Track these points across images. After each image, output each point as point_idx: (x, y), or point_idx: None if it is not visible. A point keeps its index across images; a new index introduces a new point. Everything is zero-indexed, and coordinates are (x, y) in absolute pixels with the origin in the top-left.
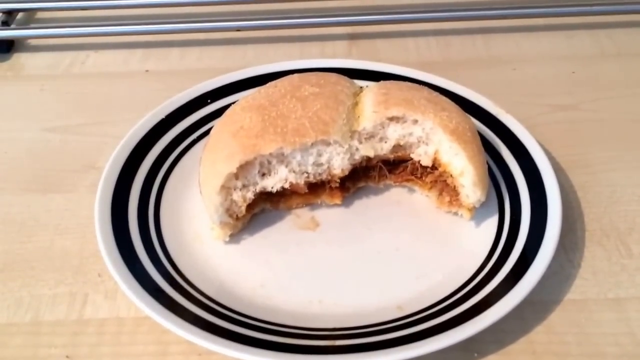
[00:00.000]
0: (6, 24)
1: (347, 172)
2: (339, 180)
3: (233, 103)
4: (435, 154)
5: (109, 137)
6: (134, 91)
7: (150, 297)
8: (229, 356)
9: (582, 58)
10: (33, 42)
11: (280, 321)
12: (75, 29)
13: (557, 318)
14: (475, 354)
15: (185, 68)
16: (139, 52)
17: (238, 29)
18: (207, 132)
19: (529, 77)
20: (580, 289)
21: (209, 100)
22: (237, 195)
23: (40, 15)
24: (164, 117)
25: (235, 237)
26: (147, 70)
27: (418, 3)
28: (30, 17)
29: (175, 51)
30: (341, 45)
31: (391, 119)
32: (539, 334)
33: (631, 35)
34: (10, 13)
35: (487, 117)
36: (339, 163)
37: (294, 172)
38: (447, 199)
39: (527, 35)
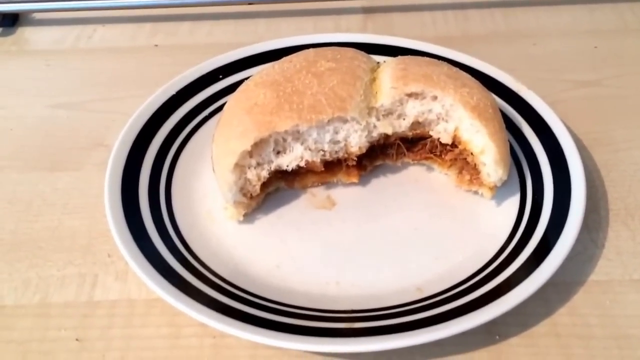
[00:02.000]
0: None
1: (364, 150)
2: (355, 159)
3: (246, 79)
4: (455, 131)
5: (117, 113)
6: (142, 66)
7: (162, 278)
8: (244, 338)
9: (604, 32)
10: (38, 16)
11: (296, 303)
12: (82, 2)
13: (580, 300)
14: (497, 337)
15: (195, 43)
16: (147, 27)
17: (250, 3)
18: (219, 109)
19: (550, 53)
20: (605, 270)
21: (220, 76)
22: (251, 174)
23: None
24: (174, 93)
25: (249, 216)
26: (156, 45)
27: None
28: None
29: (185, 25)
30: (356, 19)
31: (410, 95)
32: (562, 316)
33: None
34: None
35: (508, 94)
36: (356, 141)
37: (309, 150)
38: (467, 177)
39: (548, 9)
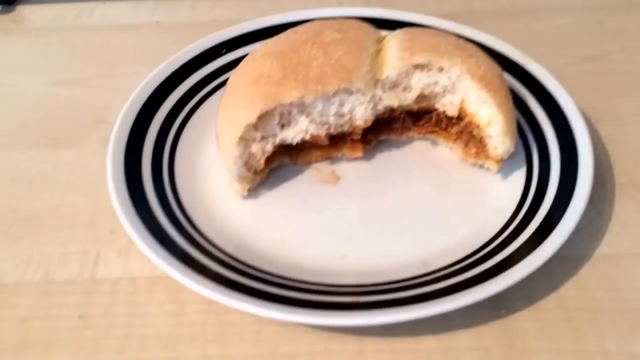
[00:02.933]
0: None
1: (369, 124)
2: (360, 132)
3: (249, 53)
4: (461, 103)
5: (118, 90)
6: (144, 43)
7: (166, 253)
8: (249, 314)
9: (608, 7)
10: None
11: (302, 277)
12: None
13: (587, 274)
14: (504, 311)
15: (197, 19)
16: (148, 3)
17: None
18: (222, 84)
19: (554, 28)
20: (611, 243)
21: (224, 51)
22: (255, 148)
23: None
24: (177, 67)
25: (253, 192)
26: (157, 22)
27: None
28: None
29: (186, 2)
30: None
31: (416, 66)
32: (569, 290)
33: None
34: None
35: (514, 67)
36: (361, 113)
37: (314, 122)
38: (474, 150)
39: None
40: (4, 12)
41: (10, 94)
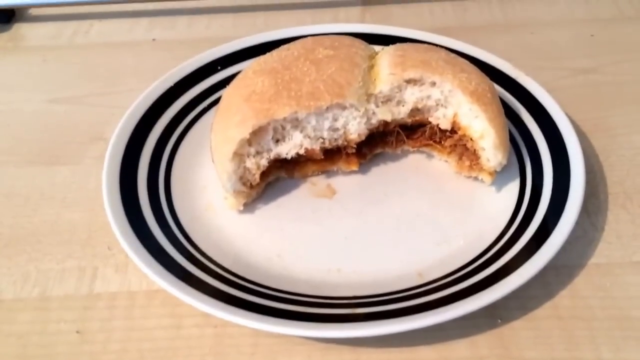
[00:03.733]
0: None
1: (363, 137)
2: (355, 146)
3: (242, 71)
4: (454, 117)
5: (115, 107)
6: (140, 61)
7: (163, 269)
8: (246, 326)
9: (600, 21)
10: (34, 11)
11: (298, 290)
12: None
13: (581, 282)
14: (499, 320)
15: (193, 37)
16: (144, 21)
17: None
18: (217, 100)
19: (547, 41)
20: (605, 252)
21: (219, 67)
22: (250, 162)
23: None
24: (172, 84)
25: (249, 206)
26: (153, 39)
27: None
28: None
29: (182, 19)
30: (354, 11)
31: (408, 81)
32: (563, 299)
33: None
34: None
35: (507, 80)
36: (355, 127)
37: (309, 137)
38: (467, 163)
39: None
40: (1, 30)
41: (7, 111)
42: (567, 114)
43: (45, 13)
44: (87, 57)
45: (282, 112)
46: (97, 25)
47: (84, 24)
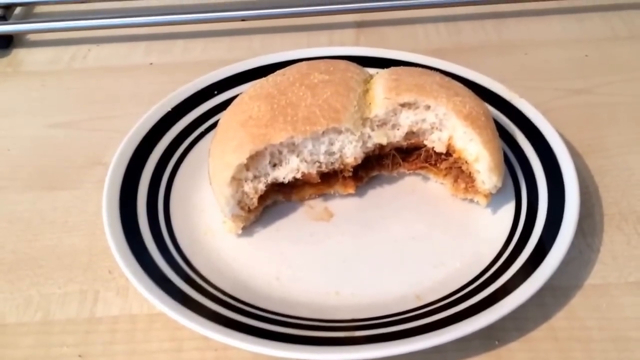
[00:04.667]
0: (4, 18)
1: (359, 161)
2: (351, 170)
3: (238, 96)
4: (449, 140)
5: (114, 131)
6: (138, 85)
7: (163, 293)
8: (246, 350)
9: (594, 41)
10: (32, 37)
11: (297, 314)
12: (75, 22)
13: (578, 303)
14: (497, 342)
15: (190, 60)
16: (142, 45)
17: (243, 19)
18: (215, 124)
19: (541, 62)
20: (601, 273)
21: (215, 92)
22: (248, 187)
23: (38, 9)
24: (170, 109)
25: (247, 229)
26: (151, 63)
27: None
28: (28, 11)
29: (179, 43)
30: (349, 33)
31: (403, 105)
32: (560, 320)
33: None
34: (8, 7)
35: (501, 102)
36: (351, 151)
37: (305, 161)
38: (463, 185)
39: (539, 19)
40: (0, 55)
41: (8, 136)
42: (561, 135)
43: (43, 38)
44: (85, 81)
45: (279, 137)
46: (95, 50)
47: (82, 48)
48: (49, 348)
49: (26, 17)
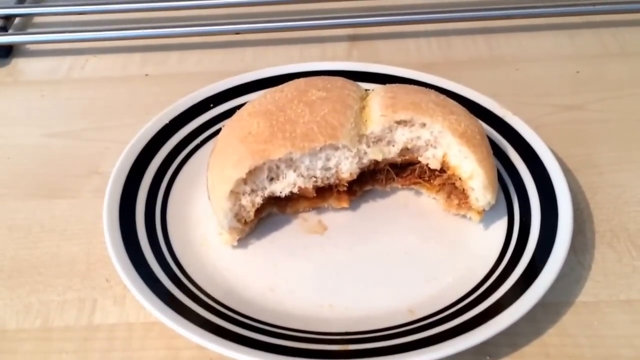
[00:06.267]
0: (4, 29)
1: (355, 176)
2: (346, 184)
3: (237, 106)
4: (443, 157)
5: (110, 142)
6: (134, 95)
7: (160, 302)
8: None
9: (585, 57)
10: (31, 47)
11: (291, 325)
12: (74, 34)
13: (569, 320)
14: (488, 357)
15: (184, 72)
16: (137, 56)
17: (237, 32)
18: (211, 136)
19: (532, 78)
20: (592, 291)
21: (211, 105)
22: (245, 200)
23: (37, 20)
24: (167, 121)
25: (242, 241)
26: (146, 75)
27: (418, 3)
28: (28, 22)
29: (174, 55)
30: (341, 47)
31: (399, 122)
32: (551, 337)
33: (635, 34)
34: (8, 18)
35: (493, 119)
36: (347, 167)
37: (302, 176)
38: (456, 201)
39: (530, 35)
40: (0, 65)
41: (7, 145)
42: (553, 151)
43: (42, 48)
44: (83, 91)
45: (278, 152)
46: (93, 61)
47: (80, 59)
48: (48, 354)
49: (25, 28)
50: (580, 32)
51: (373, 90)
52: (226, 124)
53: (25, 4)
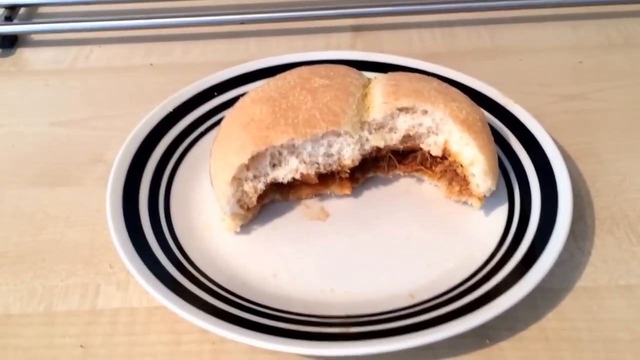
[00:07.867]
0: (9, 19)
1: (357, 163)
2: (348, 171)
3: (240, 95)
4: (445, 144)
5: (115, 130)
6: (138, 85)
7: (163, 286)
8: (243, 343)
9: (588, 48)
10: (36, 37)
11: (293, 309)
12: (79, 24)
13: (568, 305)
14: (488, 341)
15: (189, 61)
16: (142, 46)
17: (241, 22)
18: (215, 124)
19: (535, 68)
20: (591, 276)
21: (215, 93)
22: (248, 186)
23: (42, 10)
24: (171, 109)
25: (245, 227)
26: (151, 64)
27: None
28: (33, 12)
29: (178, 45)
30: (345, 37)
31: (401, 109)
32: (550, 321)
33: (637, 25)
34: (13, 8)
35: (496, 107)
36: (349, 154)
37: (304, 162)
38: (457, 188)
39: (533, 25)
40: (5, 55)
41: (12, 133)
42: (554, 139)
43: (47, 38)
44: (87, 81)
45: (280, 139)
46: (97, 51)
47: (85, 49)
48: (52, 338)
49: (30, 18)
50: (583, 22)
51: (375, 78)
52: (229, 111)
53: None
